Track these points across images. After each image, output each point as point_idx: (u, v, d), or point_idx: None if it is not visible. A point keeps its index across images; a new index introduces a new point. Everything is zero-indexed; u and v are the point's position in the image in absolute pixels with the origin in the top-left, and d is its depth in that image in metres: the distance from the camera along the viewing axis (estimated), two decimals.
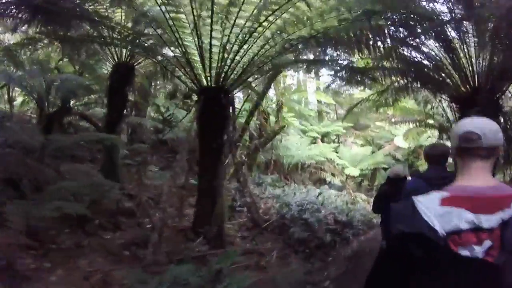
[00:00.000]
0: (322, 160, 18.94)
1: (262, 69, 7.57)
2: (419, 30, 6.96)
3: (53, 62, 16.10)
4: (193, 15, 6.25)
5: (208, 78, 7.01)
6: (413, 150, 20.02)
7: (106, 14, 7.54)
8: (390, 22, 6.96)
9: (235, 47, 6.64)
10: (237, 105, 13.70)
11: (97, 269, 5.50)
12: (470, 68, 7.52)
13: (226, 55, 6.76)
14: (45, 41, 9.50)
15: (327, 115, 25.54)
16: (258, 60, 7.13)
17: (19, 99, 18.19)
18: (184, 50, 6.97)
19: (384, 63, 9.94)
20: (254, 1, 6.16)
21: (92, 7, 6.97)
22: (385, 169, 22.01)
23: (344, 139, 24.91)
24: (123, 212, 7.86)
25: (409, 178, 8.10)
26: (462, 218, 1.17)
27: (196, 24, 6.38)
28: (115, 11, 7.97)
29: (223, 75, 6.97)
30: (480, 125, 1.34)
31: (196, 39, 6.72)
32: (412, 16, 6.67)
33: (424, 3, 7.16)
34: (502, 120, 8.02)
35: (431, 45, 7.76)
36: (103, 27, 7.25)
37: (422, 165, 20.92)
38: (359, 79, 10.22)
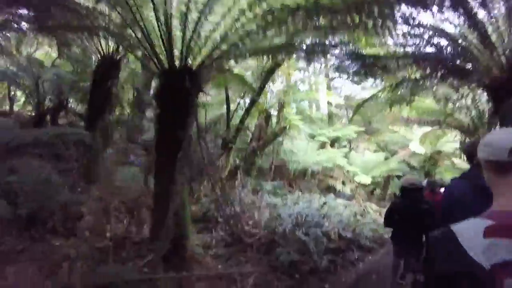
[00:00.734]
0: (331, 166, 17.18)
1: (242, 50, 5.96)
2: None
3: (50, 60, 15.53)
4: None
5: (170, 58, 5.50)
6: (430, 156, 18.03)
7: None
8: None
9: (198, 18, 5.10)
10: (233, 104, 12.17)
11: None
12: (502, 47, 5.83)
13: (189, 30, 5.24)
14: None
15: (339, 120, 23.77)
16: (234, 38, 5.56)
17: (22, 99, 17.85)
18: (143, 27, 5.48)
19: (397, 50, 8.34)
20: None
21: None
22: (398, 177, 20.06)
23: (356, 145, 23.06)
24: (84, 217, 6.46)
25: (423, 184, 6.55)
26: (510, 251, 1.08)
27: None
28: None
29: (187, 54, 5.44)
30: None
31: (154, 13, 5.24)
32: None
33: None
34: None
35: (451, 20, 6.09)
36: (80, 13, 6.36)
37: (441, 173, 18.94)
38: (368, 70, 8.63)
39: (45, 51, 17.11)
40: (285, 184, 15.37)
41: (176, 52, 5.51)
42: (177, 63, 5.56)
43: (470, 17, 5.85)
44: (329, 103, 19.87)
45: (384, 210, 13.72)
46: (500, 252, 1.08)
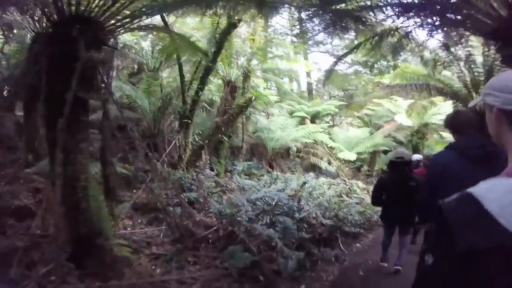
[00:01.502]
0: (312, 143, 15.58)
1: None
2: None
3: None
4: None
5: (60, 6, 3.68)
6: (417, 130, 16.48)
7: None
8: None
9: None
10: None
11: None
12: None
13: None
14: None
15: (320, 96, 22.14)
16: None
17: None
18: None
19: None
20: None
21: None
22: (385, 152, 18.59)
23: (339, 121, 21.48)
24: (18, 211, 5.01)
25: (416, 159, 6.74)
26: None
27: None
28: None
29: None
30: None
31: None
32: None
33: None
34: None
35: None
36: None
37: (430, 147, 17.52)
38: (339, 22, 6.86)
39: None
40: (263, 164, 13.77)
41: None
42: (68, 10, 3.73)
43: None
44: (308, 76, 18.11)
45: (371, 187, 12.29)
46: None
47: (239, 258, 4.30)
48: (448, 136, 14.94)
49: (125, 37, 11.70)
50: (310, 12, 6.52)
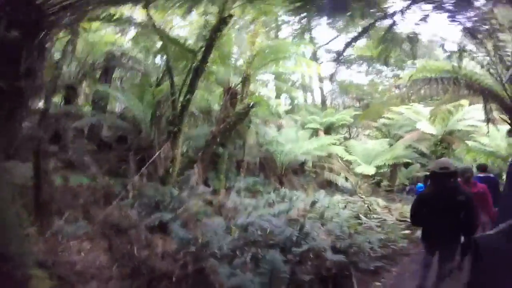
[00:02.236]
0: (326, 156, 13.98)
1: None
2: None
3: None
4: None
5: None
6: (441, 138, 14.61)
7: None
8: None
9: None
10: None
11: None
12: None
13: None
14: None
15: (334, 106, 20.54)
16: None
17: None
18: None
19: None
20: None
21: None
22: (406, 165, 16.73)
23: (356, 133, 19.78)
24: None
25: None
26: None
27: None
28: None
29: None
30: None
31: None
32: None
33: None
34: None
35: None
36: None
37: (457, 157, 15.58)
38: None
39: None
40: (271, 180, 12.24)
41: None
42: None
43: None
44: (320, 81, 16.56)
45: (394, 206, 10.52)
46: None
47: None
48: (485, 142, 13.06)
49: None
50: None
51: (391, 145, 15.75)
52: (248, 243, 4.08)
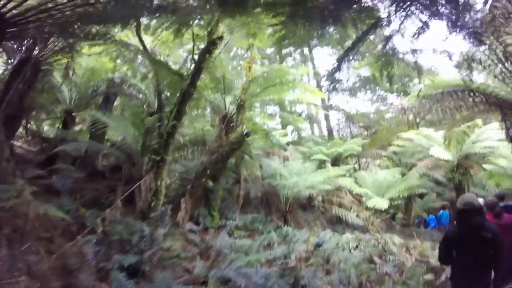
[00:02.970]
0: (334, 190, 12.74)
1: None
2: None
3: None
4: None
5: None
6: (458, 164, 13.05)
7: None
8: None
9: None
10: None
11: None
12: None
13: None
14: None
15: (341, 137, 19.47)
16: None
17: None
18: None
19: None
20: None
21: None
22: (421, 196, 15.29)
23: (366, 164, 18.47)
24: None
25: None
26: None
27: None
28: None
29: None
30: None
31: None
32: None
33: None
34: None
35: None
36: None
37: (476, 183, 14.14)
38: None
39: None
40: (273, 217, 11.05)
41: None
42: None
43: None
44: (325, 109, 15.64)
45: (412, 243, 9.11)
46: None
47: None
48: (503, 165, 11.65)
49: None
50: None
51: (403, 174, 14.42)
52: None
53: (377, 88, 21.01)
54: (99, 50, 9.11)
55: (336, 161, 15.54)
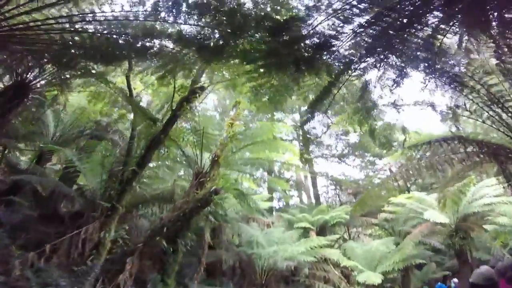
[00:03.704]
0: (318, 261, 11.13)
1: None
2: None
3: None
4: None
5: None
6: (456, 227, 11.45)
7: None
8: None
9: None
10: None
11: None
12: None
13: None
14: None
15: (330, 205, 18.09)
16: None
17: None
18: None
19: None
20: None
21: None
22: (419, 266, 13.47)
23: (356, 233, 16.81)
24: None
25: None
26: None
27: None
28: None
29: None
30: None
31: None
32: None
33: None
34: None
35: None
36: None
37: (480, 250, 12.49)
38: None
39: None
40: None
41: None
42: None
43: None
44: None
45: None
46: None
47: None
48: (504, 222, 10.20)
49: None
50: None
51: (397, 244, 12.83)
52: None
53: (366, 154, 20.38)
54: (92, 89, 8.61)
55: (322, 230, 14.02)
